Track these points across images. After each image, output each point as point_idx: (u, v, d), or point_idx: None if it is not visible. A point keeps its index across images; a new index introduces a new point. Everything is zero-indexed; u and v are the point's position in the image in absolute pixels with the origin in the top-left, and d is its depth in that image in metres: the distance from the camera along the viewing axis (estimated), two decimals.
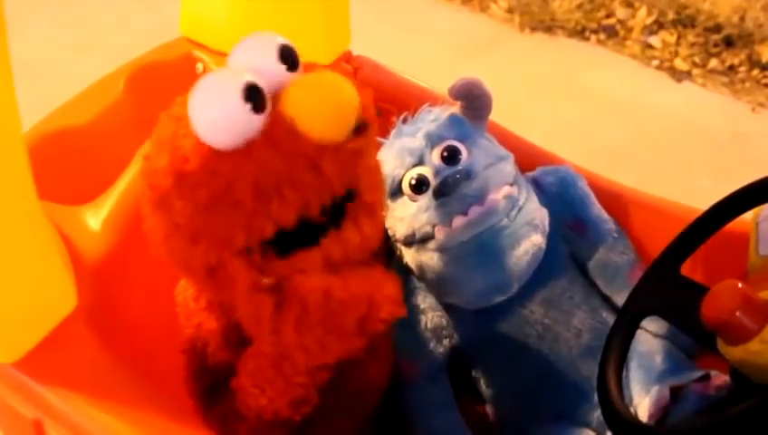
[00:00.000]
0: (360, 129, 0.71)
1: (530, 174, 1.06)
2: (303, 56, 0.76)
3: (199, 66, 1.18)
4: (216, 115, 0.67)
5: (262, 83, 0.69)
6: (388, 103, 1.18)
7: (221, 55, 1.17)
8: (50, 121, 1.05)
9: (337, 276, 0.75)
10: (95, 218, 0.92)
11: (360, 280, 0.76)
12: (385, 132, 1.10)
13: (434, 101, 1.11)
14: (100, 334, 0.80)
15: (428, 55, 2.39)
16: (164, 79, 1.15)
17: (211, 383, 0.85)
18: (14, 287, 0.72)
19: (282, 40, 0.74)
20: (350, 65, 1.24)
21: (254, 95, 0.67)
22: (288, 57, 0.73)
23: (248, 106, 0.67)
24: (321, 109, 0.68)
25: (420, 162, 0.98)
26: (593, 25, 2.55)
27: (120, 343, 0.81)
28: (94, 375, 0.78)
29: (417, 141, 0.99)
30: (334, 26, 1.22)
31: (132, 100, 1.13)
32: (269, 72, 0.71)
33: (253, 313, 0.75)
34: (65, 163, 1.01)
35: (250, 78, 0.68)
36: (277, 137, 0.68)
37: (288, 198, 0.68)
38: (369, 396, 0.94)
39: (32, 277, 0.74)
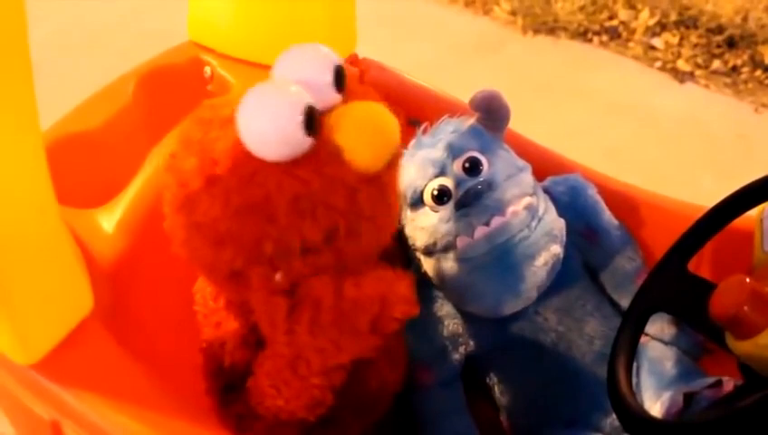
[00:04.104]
0: (392, 161, 0.73)
1: (540, 184, 1.05)
2: None
3: (207, 70, 1.18)
4: (271, 129, 0.68)
5: (316, 104, 0.70)
6: (394, 105, 1.18)
7: (228, 59, 1.17)
8: (61, 126, 1.06)
9: (349, 277, 0.76)
10: (109, 221, 0.92)
11: (372, 280, 0.77)
12: None
13: (440, 102, 1.11)
14: (117, 335, 0.80)
15: (432, 57, 2.39)
16: (172, 82, 1.16)
17: (228, 382, 0.85)
18: (32, 290, 0.73)
19: (337, 60, 0.74)
20: (357, 68, 1.24)
21: (311, 118, 0.68)
22: (341, 79, 0.74)
23: (305, 128, 0.68)
24: (369, 143, 0.70)
25: (442, 173, 0.97)
26: (596, 27, 2.56)
27: (136, 343, 0.81)
28: (111, 376, 0.78)
29: (439, 152, 0.98)
30: (340, 29, 1.22)
31: (142, 103, 1.13)
32: (323, 92, 0.72)
33: (268, 314, 0.76)
34: (77, 167, 1.02)
35: (311, 101, 0.69)
36: (323, 161, 0.69)
37: (321, 220, 0.70)
38: (382, 399, 0.95)
39: (49, 280, 0.75)
